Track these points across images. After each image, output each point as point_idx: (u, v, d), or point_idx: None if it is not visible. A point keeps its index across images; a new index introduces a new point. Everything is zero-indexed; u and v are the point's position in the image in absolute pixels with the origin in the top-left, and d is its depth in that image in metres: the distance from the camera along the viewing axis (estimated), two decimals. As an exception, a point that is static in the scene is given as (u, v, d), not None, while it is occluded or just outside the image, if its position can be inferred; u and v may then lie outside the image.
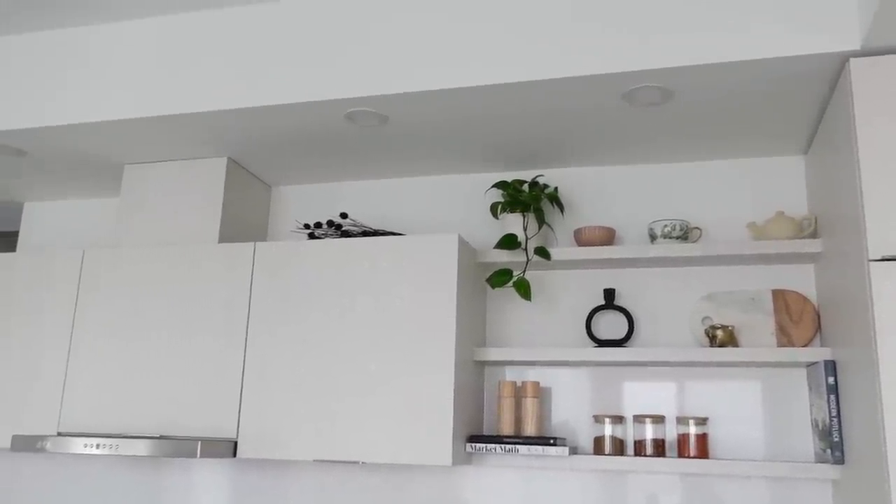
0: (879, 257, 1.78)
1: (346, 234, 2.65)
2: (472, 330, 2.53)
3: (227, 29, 2.46)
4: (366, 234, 2.63)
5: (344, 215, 2.70)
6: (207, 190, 2.75)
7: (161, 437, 2.39)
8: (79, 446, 2.37)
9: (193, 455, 2.24)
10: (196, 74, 2.45)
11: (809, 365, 2.34)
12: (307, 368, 2.42)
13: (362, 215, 2.96)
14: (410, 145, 2.63)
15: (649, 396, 2.52)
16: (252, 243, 2.58)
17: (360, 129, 2.50)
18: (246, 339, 2.50)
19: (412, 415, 2.30)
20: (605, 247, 2.48)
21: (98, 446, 2.34)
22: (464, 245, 2.46)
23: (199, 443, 2.25)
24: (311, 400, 2.39)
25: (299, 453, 2.36)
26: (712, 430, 2.44)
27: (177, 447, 2.28)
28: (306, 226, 2.73)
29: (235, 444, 2.41)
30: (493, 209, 2.64)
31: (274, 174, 2.95)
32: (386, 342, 2.37)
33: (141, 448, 2.31)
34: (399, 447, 2.29)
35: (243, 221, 2.87)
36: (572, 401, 2.58)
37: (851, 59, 1.90)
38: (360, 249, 2.47)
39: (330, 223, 2.70)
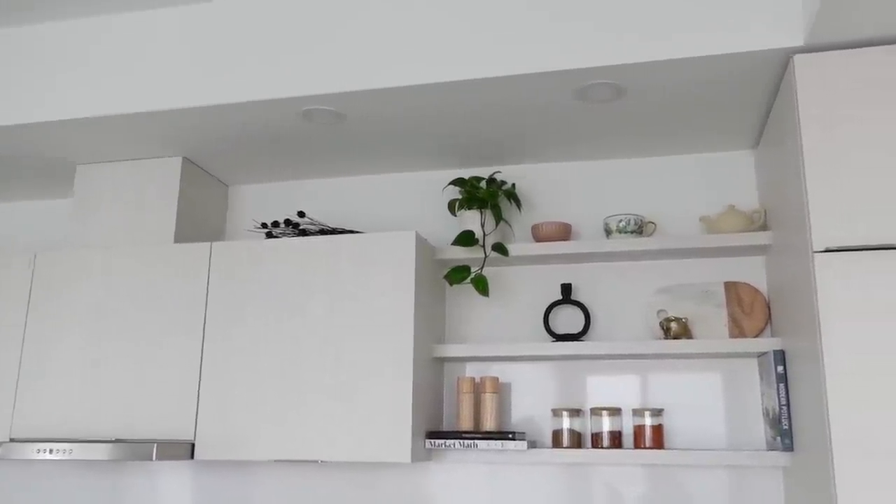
0: (823, 249, 1.82)
1: (304, 233, 2.65)
2: (431, 327, 2.54)
3: (182, 26, 2.43)
4: (324, 232, 2.63)
5: (301, 214, 2.69)
6: (162, 190, 2.72)
7: (117, 441, 2.36)
8: (32, 452, 2.33)
9: (149, 458, 2.21)
10: (150, 72, 2.42)
11: (760, 355, 2.39)
12: (265, 368, 2.41)
13: (320, 214, 2.95)
14: (368, 143, 2.63)
15: (607, 389, 2.55)
16: (208, 243, 2.56)
17: (317, 127, 2.49)
18: (203, 339, 2.48)
19: (371, 413, 2.31)
20: (561, 242, 2.50)
21: (52, 451, 2.31)
22: (421, 242, 2.47)
23: (155, 445, 2.23)
24: (270, 400, 2.38)
25: (258, 454, 2.35)
26: (668, 421, 2.49)
27: (132, 450, 2.25)
28: (264, 225, 2.72)
29: (193, 445, 2.40)
30: (451, 206, 2.65)
31: (231, 173, 2.93)
32: (344, 340, 2.37)
33: (96, 452, 2.28)
34: (358, 445, 2.29)
35: (200, 221, 2.84)
36: (532, 395, 2.60)
37: (795, 56, 1.95)
38: (318, 248, 2.47)
39: (287, 222, 2.69)
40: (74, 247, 2.75)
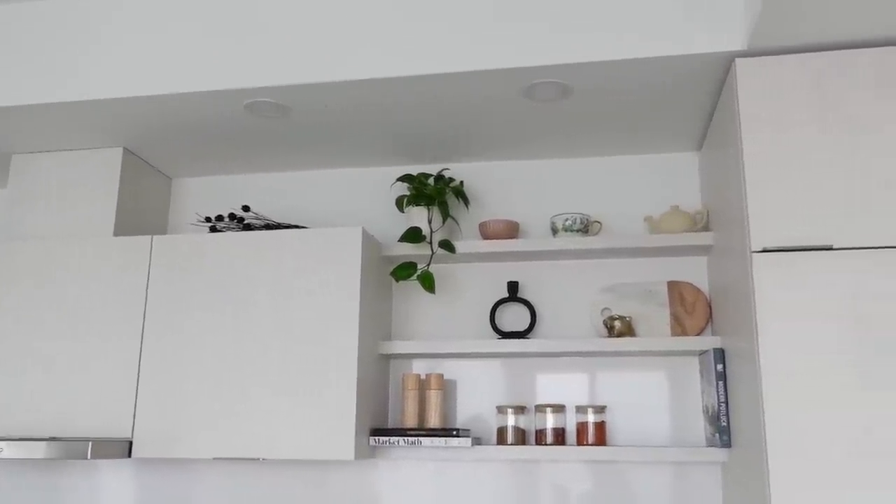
0: (761, 249, 1.86)
1: (249, 228, 2.60)
2: (377, 324, 2.53)
3: (122, 14, 2.37)
4: (269, 227, 2.59)
5: (246, 208, 2.64)
6: (102, 181, 2.65)
7: (52, 439, 2.29)
8: (-40, 450, 2.24)
9: (84, 456, 2.15)
10: (90, 61, 2.35)
11: (701, 353, 2.43)
12: (207, 364, 2.37)
13: (266, 209, 2.90)
14: (314, 137, 2.60)
15: (553, 387, 2.57)
16: (149, 237, 2.50)
17: (261, 120, 2.45)
18: (142, 335, 2.43)
19: (314, 410, 2.28)
20: (508, 240, 2.51)
21: (-19, 450, 2.22)
22: (368, 238, 2.45)
23: (90, 443, 2.16)
24: (211, 397, 2.34)
25: (198, 452, 2.31)
26: (612, 418, 2.51)
27: (67, 449, 2.19)
28: (207, 219, 2.67)
29: (131, 443, 2.34)
30: (399, 202, 2.64)
31: (174, 166, 2.86)
32: (288, 337, 2.34)
33: (29, 451, 2.21)
34: (301, 443, 2.26)
35: (141, 214, 2.77)
36: (478, 393, 2.61)
37: (737, 59, 1.98)
38: (263, 243, 2.43)
39: (232, 216, 2.65)
40: (9, 239, 2.66)
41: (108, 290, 2.47)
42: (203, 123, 2.48)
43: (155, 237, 2.49)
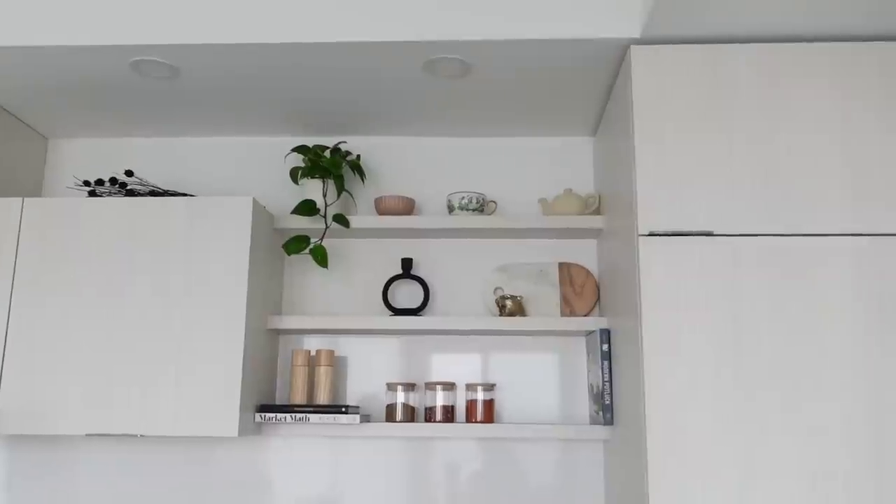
0: (647, 233, 1.91)
1: (132, 194, 2.47)
2: (267, 297, 2.46)
3: (-7, -44, 2.18)
4: (154, 194, 2.46)
5: (129, 173, 2.51)
6: (-32, 137, 2.45)
7: None
8: None
9: (-60, 432, 2.00)
10: (-47, 5, 2.16)
11: (588, 334, 2.49)
12: (82, 336, 2.24)
13: (151, 175, 2.77)
14: (205, 102, 2.48)
15: (445, 365, 2.58)
16: (20, 198, 2.33)
17: (148, 80, 2.32)
18: (10, 304, 2.27)
19: (197, 385, 2.20)
20: (404, 216, 2.49)
21: None
22: (259, 209, 2.37)
23: (-53, 418, 2.01)
24: (86, 370, 2.22)
25: (70, 428, 2.19)
26: (503, 396, 2.55)
27: (-80, 424, 2.03)
28: (86, 182, 2.51)
29: (-6, 419, 2.19)
30: (293, 174, 2.57)
31: (51, 125, 2.68)
32: (172, 308, 2.24)
33: None
34: (182, 419, 2.18)
35: (11, 175, 2.59)
36: (369, 370, 2.58)
37: (632, 47, 2.02)
38: (147, 210, 2.31)
39: (113, 181, 2.51)
40: None
41: (-27, 255, 2.29)
42: (85, 81, 2.33)
43: (26, 199, 2.33)
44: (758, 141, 1.94)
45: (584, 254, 2.64)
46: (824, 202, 1.90)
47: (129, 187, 2.53)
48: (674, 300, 1.87)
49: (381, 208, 2.55)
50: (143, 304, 2.25)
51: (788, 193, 1.91)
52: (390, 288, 2.63)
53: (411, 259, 2.59)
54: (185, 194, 2.45)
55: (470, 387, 2.43)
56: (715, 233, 1.90)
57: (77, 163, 2.79)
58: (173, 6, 2.11)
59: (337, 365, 2.59)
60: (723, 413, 1.82)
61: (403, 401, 2.43)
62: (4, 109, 2.54)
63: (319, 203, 2.48)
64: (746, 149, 1.94)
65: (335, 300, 2.64)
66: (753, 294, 1.86)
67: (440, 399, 2.43)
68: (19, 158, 2.63)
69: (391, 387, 2.44)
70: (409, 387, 2.45)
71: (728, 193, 1.92)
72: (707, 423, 1.81)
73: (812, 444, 1.80)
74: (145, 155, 2.78)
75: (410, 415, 2.44)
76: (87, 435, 2.17)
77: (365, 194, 2.73)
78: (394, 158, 2.75)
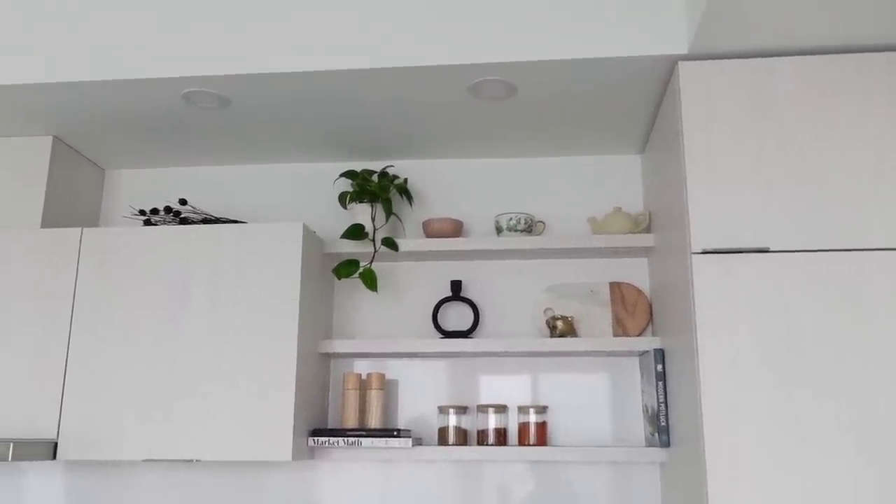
0: (700, 250, 1.88)
1: (186, 222, 2.52)
2: (318, 322, 2.47)
3: (52, -4, 2.27)
4: (206, 221, 2.51)
5: (183, 201, 2.56)
6: (29, 170, 2.53)
7: (-31, 440, 2.18)
8: None
9: (5, 458, 2.05)
10: (19, 42, 2.24)
11: (642, 354, 2.45)
12: (139, 362, 2.28)
13: (204, 203, 2.82)
14: (254, 130, 2.53)
15: (495, 387, 2.56)
16: (79, 229, 2.40)
17: (199, 111, 2.38)
18: (70, 331, 2.33)
19: (251, 410, 2.22)
20: (452, 238, 2.49)
21: None
22: (309, 234, 2.40)
23: (11, 445, 2.06)
24: (142, 396, 2.26)
25: (127, 453, 2.22)
26: (554, 418, 2.51)
27: (-14, 450, 2.08)
28: (142, 212, 2.58)
29: (56, 444, 2.24)
30: (342, 199, 2.59)
31: (108, 156, 2.76)
32: (225, 334, 2.28)
33: (-55, 452, 2.09)
34: (236, 444, 2.20)
35: (71, 206, 2.66)
36: (420, 393, 2.58)
37: (680, 63, 2.00)
38: (200, 237, 2.35)
39: (168, 209, 2.56)
40: (-73, 229, 2.52)
41: (35, 284, 2.36)
42: (139, 113, 2.40)
43: (85, 229, 2.40)
44: (807, 155, 1.90)
45: (635, 273, 2.60)
46: (879, 216, 1.85)
47: (182, 215, 2.58)
48: (729, 318, 1.83)
49: (429, 231, 2.55)
50: (196, 329, 2.29)
51: (841, 208, 1.86)
52: (440, 310, 2.63)
53: (460, 281, 2.59)
54: (236, 221, 2.49)
55: (522, 409, 2.41)
56: (771, 249, 1.86)
57: (133, 192, 2.86)
58: (223, 38, 2.16)
59: (387, 388, 2.59)
60: (781, 432, 1.76)
61: (455, 424, 2.42)
62: (64, 143, 2.63)
63: (368, 227, 2.50)
64: (802, 163, 1.89)
65: (385, 323, 2.65)
66: (808, 310, 1.81)
67: (492, 422, 2.41)
68: (78, 189, 2.71)
69: (443, 410, 2.43)
70: (462, 410, 2.43)
71: (784, 209, 1.87)
72: (766, 443, 1.76)
73: (872, 464, 1.73)
74: (198, 183, 2.84)
75: (463, 438, 2.42)
76: (143, 461, 2.20)
77: (413, 217, 2.74)
78: (440, 181, 2.75)
